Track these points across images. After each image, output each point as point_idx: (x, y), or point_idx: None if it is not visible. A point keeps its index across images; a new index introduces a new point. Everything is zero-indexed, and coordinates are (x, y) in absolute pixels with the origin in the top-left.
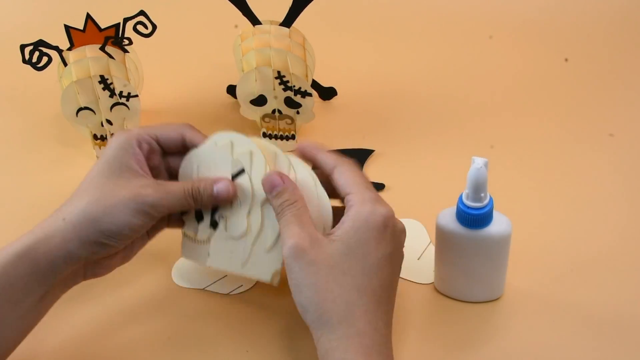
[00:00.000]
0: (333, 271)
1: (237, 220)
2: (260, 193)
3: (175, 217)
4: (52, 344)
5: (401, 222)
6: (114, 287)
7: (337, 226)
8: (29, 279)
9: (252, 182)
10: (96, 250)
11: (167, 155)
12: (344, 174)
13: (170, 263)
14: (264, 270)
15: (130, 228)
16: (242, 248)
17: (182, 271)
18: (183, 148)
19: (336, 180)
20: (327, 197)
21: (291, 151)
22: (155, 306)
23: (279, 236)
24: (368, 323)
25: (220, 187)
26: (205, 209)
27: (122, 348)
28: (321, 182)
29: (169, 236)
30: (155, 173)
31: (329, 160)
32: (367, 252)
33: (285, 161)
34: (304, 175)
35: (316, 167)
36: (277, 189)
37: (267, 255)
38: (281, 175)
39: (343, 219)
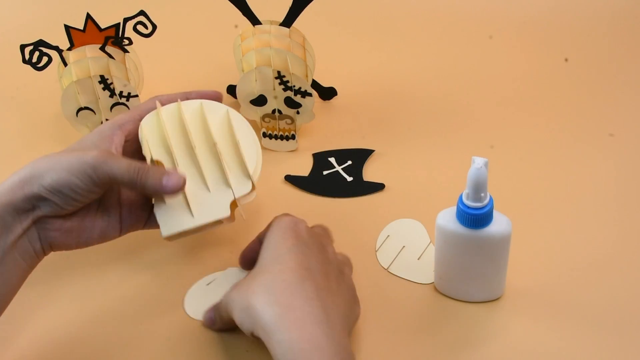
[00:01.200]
0: (259, 271)
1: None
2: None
3: (153, 218)
4: (49, 346)
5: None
6: (112, 288)
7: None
8: None
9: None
10: (41, 206)
11: None
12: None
13: (170, 270)
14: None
15: (70, 187)
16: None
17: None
18: None
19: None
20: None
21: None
22: (154, 307)
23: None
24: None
25: (172, 182)
26: (144, 193)
27: (122, 348)
28: None
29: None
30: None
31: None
32: (277, 249)
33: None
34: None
35: None
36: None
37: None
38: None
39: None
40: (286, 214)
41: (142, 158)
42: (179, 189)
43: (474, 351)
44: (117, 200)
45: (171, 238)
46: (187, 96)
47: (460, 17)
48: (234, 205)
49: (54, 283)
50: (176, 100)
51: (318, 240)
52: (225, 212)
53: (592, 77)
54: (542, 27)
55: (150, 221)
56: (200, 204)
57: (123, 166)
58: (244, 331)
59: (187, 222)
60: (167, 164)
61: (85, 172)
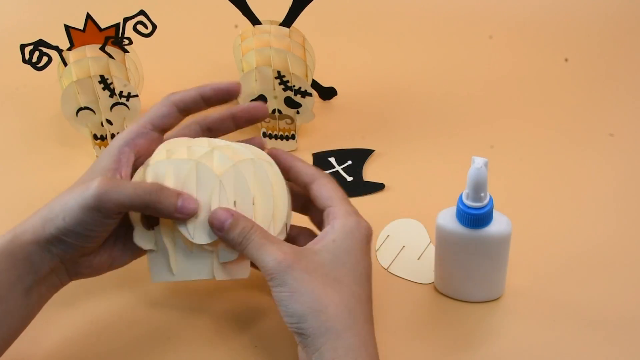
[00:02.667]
0: (328, 279)
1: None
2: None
3: None
4: (48, 345)
5: None
6: (112, 286)
7: (317, 238)
8: (10, 274)
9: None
10: (64, 248)
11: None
12: (325, 186)
13: None
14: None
15: (81, 226)
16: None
17: None
18: (181, 116)
19: (316, 191)
20: (286, 194)
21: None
22: (158, 302)
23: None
24: (369, 333)
25: (187, 203)
26: (157, 215)
27: (126, 345)
28: (294, 192)
29: None
30: None
31: (307, 171)
32: (356, 262)
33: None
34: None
35: (289, 176)
36: (228, 222)
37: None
38: (226, 209)
39: (326, 230)
40: (357, 215)
41: None
42: (194, 213)
43: (474, 351)
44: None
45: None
46: (201, 92)
47: (460, 17)
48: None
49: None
50: (190, 97)
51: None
52: (207, 275)
53: (592, 77)
54: (542, 27)
55: None
56: (184, 261)
57: (129, 192)
58: (289, 316)
59: (169, 277)
60: None
61: (89, 207)
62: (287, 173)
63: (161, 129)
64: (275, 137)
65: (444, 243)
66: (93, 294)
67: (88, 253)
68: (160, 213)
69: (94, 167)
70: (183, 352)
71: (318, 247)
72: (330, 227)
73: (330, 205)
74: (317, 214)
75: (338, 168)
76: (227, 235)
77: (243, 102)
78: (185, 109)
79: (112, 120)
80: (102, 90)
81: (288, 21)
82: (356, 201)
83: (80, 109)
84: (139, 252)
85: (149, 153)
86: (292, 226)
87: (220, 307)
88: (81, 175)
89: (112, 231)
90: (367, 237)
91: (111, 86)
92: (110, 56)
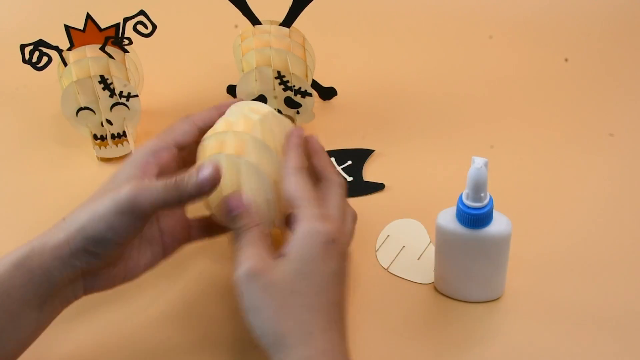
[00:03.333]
0: (287, 292)
1: None
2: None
3: (196, 230)
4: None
5: (346, 239)
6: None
7: (287, 244)
8: (26, 290)
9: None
10: (88, 260)
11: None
12: (290, 183)
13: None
14: None
15: (113, 231)
16: None
17: None
18: (200, 135)
19: (284, 189)
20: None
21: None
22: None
23: None
24: (329, 341)
25: (205, 173)
26: (191, 201)
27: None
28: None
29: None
30: None
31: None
32: (316, 270)
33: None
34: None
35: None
36: (235, 212)
37: None
38: (240, 198)
39: (294, 237)
40: (318, 218)
41: None
42: (217, 178)
43: (474, 351)
44: (157, 230)
45: None
46: (220, 112)
47: (460, 17)
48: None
49: None
50: (210, 117)
51: (345, 257)
52: None
53: (592, 77)
54: (542, 27)
55: (192, 237)
56: None
57: (160, 189)
58: (252, 330)
59: None
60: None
61: (121, 210)
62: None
63: (181, 147)
64: None
65: (444, 243)
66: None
67: (109, 264)
68: (190, 199)
69: (118, 176)
70: (183, 353)
71: (285, 255)
72: (294, 234)
73: (293, 207)
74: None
75: (338, 168)
76: (231, 222)
77: None
78: (205, 128)
79: (112, 120)
80: (102, 90)
81: (288, 21)
82: (356, 201)
83: (80, 109)
84: (149, 264)
85: (170, 169)
86: None
87: (220, 309)
88: (98, 187)
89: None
90: (325, 241)
91: (111, 86)
92: (110, 56)
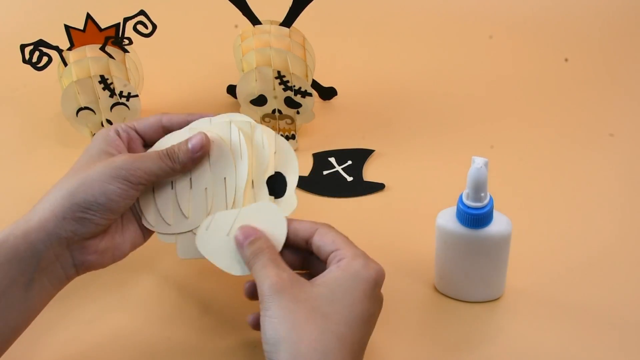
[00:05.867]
0: (314, 313)
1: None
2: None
3: None
4: (48, 347)
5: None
6: (115, 285)
7: (322, 274)
8: (10, 266)
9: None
10: (75, 228)
11: (149, 146)
12: (327, 234)
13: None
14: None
15: (106, 196)
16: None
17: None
18: (164, 134)
19: (318, 241)
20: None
21: None
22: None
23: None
24: None
25: (195, 140)
26: (185, 169)
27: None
28: (294, 248)
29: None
30: None
31: (304, 226)
32: (354, 303)
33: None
34: None
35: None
36: (250, 238)
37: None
38: (252, 227)
39: (331, 268)
40: (366, 258)
41: None
42: (204, 145)
43: (474, 351)
44: (134, 208)
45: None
46: (189, 120)
47: (460, 17)
48: None
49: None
50: (179, 123)
51: (381, 304)
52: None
53: (592, 77)
54: (542, 27)
55: None
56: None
57: (154, 158)
58: (262, 338)
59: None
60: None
61: (117, 175)
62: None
63: (142, 136)
64: None
65: (444, 243)
66: (96, 293)
67: (95, 235)
68: (183, 167)
69: (89, 150)
70: (183, 353)
71: (318, 281)
72: (336, 267)
73: (337, 249)
74: (319, 267)
75: (338, 168)
76: (243, 251)
77: (242, 102)
78: (170, 129)
79: (112, 120)
80: (102, 90)
81: (288, 21)
82: (356, 201)
83: (80, 109)
84: (136, 241)
85: (130, 150)
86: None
87: (220, 309)
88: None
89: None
90: (375, 280)
91: (111, 86)
92: (110, 56)
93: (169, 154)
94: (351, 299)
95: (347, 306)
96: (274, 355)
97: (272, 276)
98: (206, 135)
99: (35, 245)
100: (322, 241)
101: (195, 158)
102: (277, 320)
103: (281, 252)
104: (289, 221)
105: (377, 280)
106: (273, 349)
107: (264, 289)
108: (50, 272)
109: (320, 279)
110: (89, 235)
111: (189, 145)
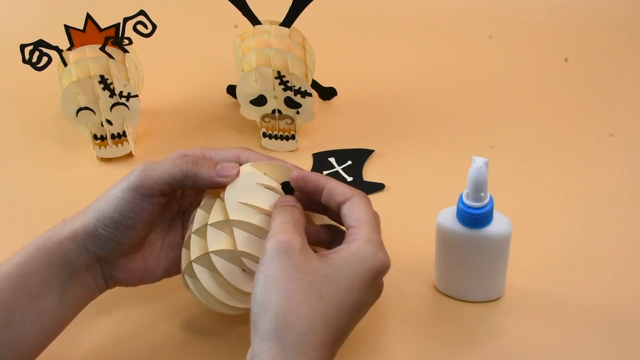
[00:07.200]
0: (311, 288)
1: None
2: None
3: None
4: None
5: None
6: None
7: (332, 250)
8: (46, 271)
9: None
10: (100, 245)
11: None
12: (358, 206)
13: None
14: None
15: (118, 211)
16: None
17: None
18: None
19: (347, 210)
20: None
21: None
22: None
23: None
24: (320, 357)
25: (225, 166)
26: (196, 184)
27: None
28: (320, 209)
29: None
30: None
31: (342, 190)
32: (351, 290)
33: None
34: None
35: (320, 197)
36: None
37: None
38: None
39: (342, 246)
40: (378, 246)
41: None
42: (233, 176)
43: (474, 351)
44: (181, 236)
45: None
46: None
47: (460, 17)
48: None
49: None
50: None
51: (377, 296)
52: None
53: (592, 77)
54: (542, 27)
55: None
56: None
57: (167, 165)
58: (252, 298)
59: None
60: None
61: (131, 187)
62: (318, 194)
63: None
64: (275, 137)
65: (444, 243)
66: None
67: (124, 253)
68: (200, 180)
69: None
70: (183, 353)
71: (327, 256)
72: (347, 246)
73: (356, 226)
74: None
75: (338, 168)
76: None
77: (242, 102)
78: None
79: (112, 120)
80: (102, 91)
81: (288, 21)
82: None
83: (80, 109)
84: (171, 270)
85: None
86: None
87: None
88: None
89: (149, 240)
90: (377, 271)
91: (111, 86)
92: (110, 56)
93: (188, 163)
94: (349, 284)
95: (342, 290)
96: (259, 318)
97: (286, 234)
98: (239, 172)
99: (68, 254)
100: (349, 212)
101: (214, 181)
102: (273, 283)
103: (313, 228)
104: (328, 180)
105: (380, 271)
106: (260, 312)
107: (271, 243)
108: (82, 282)
109: (330, 254)
110: (116, 254)
111: (218, 168)
